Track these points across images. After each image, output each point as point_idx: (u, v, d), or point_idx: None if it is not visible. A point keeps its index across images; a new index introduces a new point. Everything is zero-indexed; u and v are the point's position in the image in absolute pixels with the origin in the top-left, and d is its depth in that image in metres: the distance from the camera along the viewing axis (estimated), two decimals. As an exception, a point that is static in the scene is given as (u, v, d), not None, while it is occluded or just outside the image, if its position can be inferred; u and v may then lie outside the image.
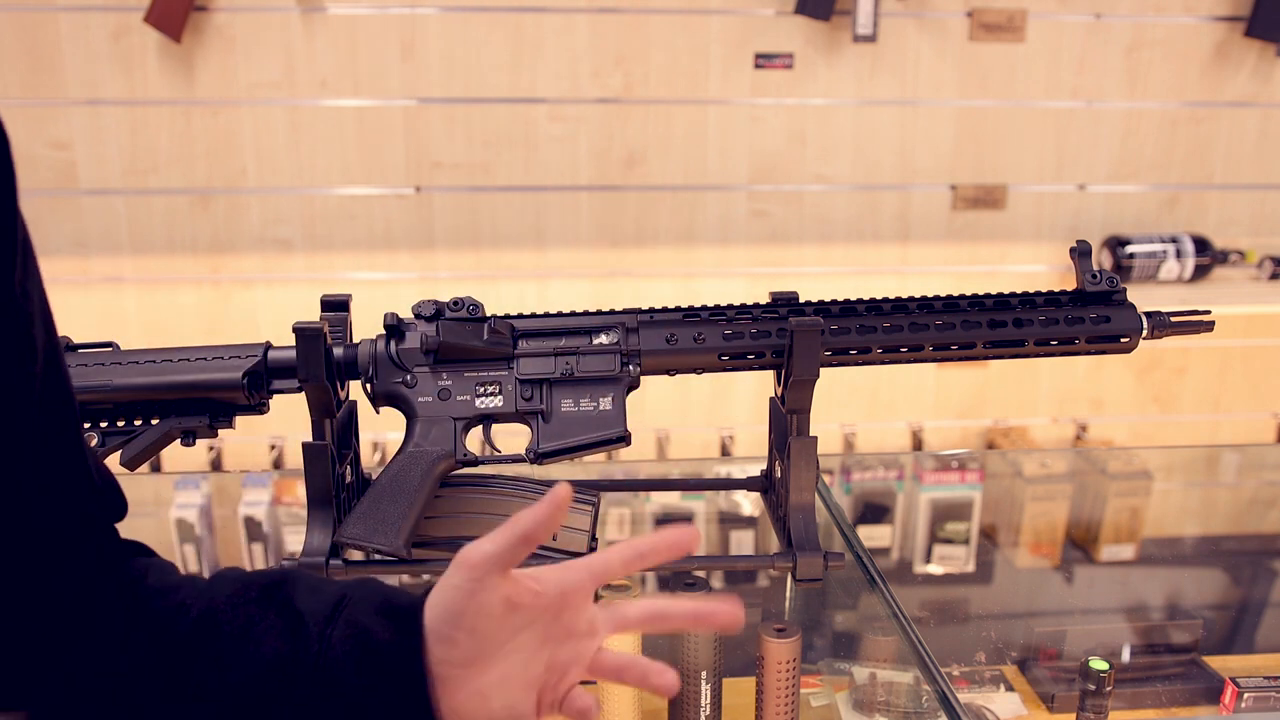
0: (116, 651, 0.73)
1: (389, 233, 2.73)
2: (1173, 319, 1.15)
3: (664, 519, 1.87)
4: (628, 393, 1.12)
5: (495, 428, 1.13)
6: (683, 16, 2.65)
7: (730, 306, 1.14)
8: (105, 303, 2.70)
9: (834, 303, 1.14)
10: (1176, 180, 2.87)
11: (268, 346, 1.11)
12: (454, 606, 0.70)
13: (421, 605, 0.72)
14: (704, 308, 1.14)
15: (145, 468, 1.22)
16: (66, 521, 0.73)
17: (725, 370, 1.14)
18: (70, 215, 2.63)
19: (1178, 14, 2.74)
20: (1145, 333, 1.14)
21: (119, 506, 0.80)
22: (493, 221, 2.75)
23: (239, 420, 1.13)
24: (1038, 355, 1.15)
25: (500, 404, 1.10)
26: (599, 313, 1.13)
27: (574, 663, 0.74)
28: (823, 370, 1.09)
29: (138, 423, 1.11)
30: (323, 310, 1.12)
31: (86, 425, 1.10)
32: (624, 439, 1.11)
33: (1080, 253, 1.15)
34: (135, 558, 0.80)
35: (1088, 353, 1.16)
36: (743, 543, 1.86)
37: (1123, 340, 1.15)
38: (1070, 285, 1.17)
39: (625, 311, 1.13)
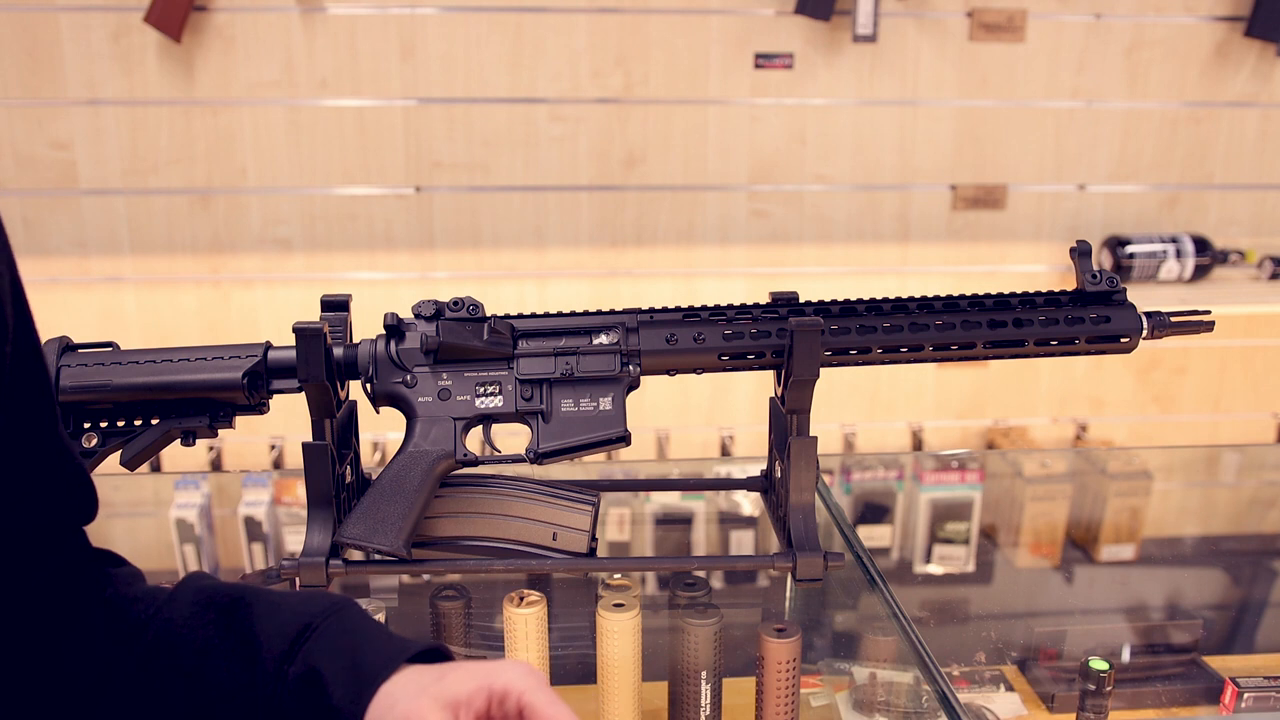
0: (72, 663, 0.72)
1: (389, 233, 2.73)
2: (1173, 319, 1.15)
3: (664, 519, 1.87)
4: (628, 393, 1.12)
5: (495, 428, 1.13)
6: (683, 16, 2.65)
7: (730, 306, 1.14)
8: (105, 303, 2.70)
9: (834, 303, 1.14)
10: (1176, 180, 2.86)
11: (268, 346, 1.11)
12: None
13: (384, 676, 0.70)
14: (704, 308, 1.14)
15: (145, 468, 1.22)
16: (29, 520, 0.71)
17: (725, 370, 1.14)
18: (70, 215, 2.62)
19: (1178, 14, 2.74)
20: (1145, 333, 1.14)
21: (88, 508, 0.78)
22: (492, 221, 2.75)
23: (239, 420, 1.13)
24: (1038, 355, 1.15)
25: (500, 404, 1.10)
26: (599, 313, 1.13)
27: None
28: (823, 370, 1.09)
29: (138, 423, 1.11)
30: (323, 310, 1.12)
31: (86, 425, 1.10)
32: (624, 439, 1.11)
33: (1080, 253, 1.15)
34: (103, 567, 0.79)
35: (1088, 353, 1.16)
36: (743, 543, 1.86)
37: (1123, 340, 1.15)
38: (1070, 285, 1.17)
39: (625, 311, 1.13)
